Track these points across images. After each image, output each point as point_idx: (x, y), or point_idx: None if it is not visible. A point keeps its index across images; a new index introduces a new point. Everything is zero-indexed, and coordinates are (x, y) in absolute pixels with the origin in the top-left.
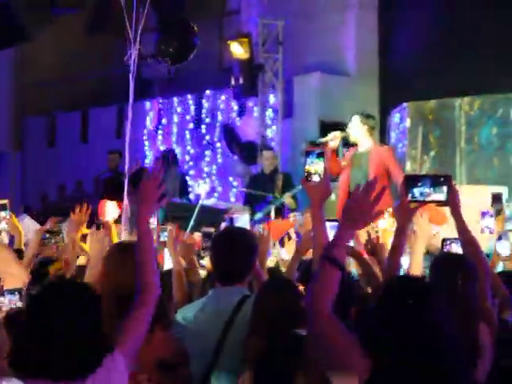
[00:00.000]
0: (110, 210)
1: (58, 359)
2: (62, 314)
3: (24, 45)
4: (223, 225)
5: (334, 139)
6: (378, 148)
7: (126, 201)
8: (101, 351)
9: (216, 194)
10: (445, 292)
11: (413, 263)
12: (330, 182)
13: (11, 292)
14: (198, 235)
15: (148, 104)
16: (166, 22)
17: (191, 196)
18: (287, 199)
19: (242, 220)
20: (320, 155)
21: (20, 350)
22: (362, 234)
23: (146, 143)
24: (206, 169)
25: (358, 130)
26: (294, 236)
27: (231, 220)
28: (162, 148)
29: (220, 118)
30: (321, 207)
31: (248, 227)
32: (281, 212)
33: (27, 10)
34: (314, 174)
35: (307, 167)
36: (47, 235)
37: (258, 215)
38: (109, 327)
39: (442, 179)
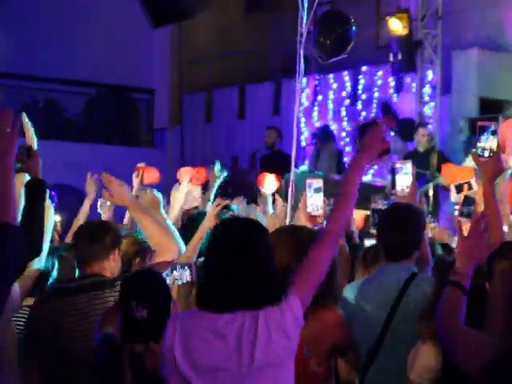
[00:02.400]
0: (270, 182)
1: (238, 290)
2: (243, 248)
3: (182, 24)
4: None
5: None
6: None
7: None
8: (280, 286)
9: (372, 171)
10: None
11: None
12: (501, 159)
13: (182, 266)
14: (362, 213)
15: (304, 80)
16: (323, 14)
17: None
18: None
19: (405, 170)
20: (494, 132)
21: (205, 288)
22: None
23: (302, 120)
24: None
25: None
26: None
27: (394, 170)
28: (317, 125)
29: (376, 94)
30: (492, 184)
31: (411, 177)
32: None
33: None
34: (486, 150)
35: (481, 143)
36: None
37: None
38: None
39: None
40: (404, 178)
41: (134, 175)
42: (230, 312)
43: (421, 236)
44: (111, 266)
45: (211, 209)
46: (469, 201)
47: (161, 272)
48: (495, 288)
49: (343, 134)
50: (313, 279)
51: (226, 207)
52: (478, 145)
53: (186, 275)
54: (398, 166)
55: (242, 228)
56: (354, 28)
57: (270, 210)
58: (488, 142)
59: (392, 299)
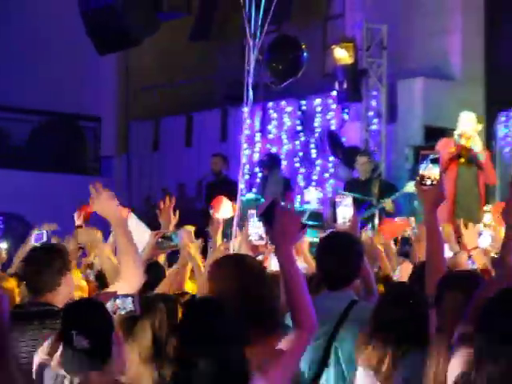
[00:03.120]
0: (226, 208)
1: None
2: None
3: (129, 50)
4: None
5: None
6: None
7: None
8: (245, 377)
9: (316, 200)
10: None
11: None
12: (444, 188)
13: (125, 295)
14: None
15: (250, 108)
16: (275, 40)
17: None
18: (388, 204)
19: (345, 202)
20: (434, 161)
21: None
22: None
23: (248, 147)
24: (301, 170)
25: (474, 128)
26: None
27: (334, 204)
28: (264, 152)
29: (323, 122)
30: (433, 212)
31: (351, 211)
32: (380, 217)
33: (133, 15)
34: (428, 178)
35: (422, 171)
36: (161, 240)
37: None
38: None
39: None
40: (345, 211)
41: (76, 215)
42: None
43: (359, 264)
44: (63, 291)
45: (150, 238)
46: (405, 240)
47: (104, 302)
48: (444, 316)
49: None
50: (287, 371)
51: (166, 237)
52: (420, 173)
53: (128, 305)
54: (338, 199)
55: (204, 315)
56: (305, 53)
57: (219, 240)
58: (427, 170)
59: (332, 326)
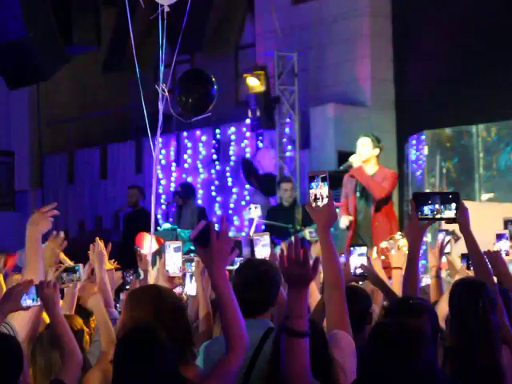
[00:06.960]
0: (148, 242)
1: None
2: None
3: (40, 83)
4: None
5: (354, 161)
6: (384, 171)
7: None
8: None
9: (233, 228)
10: (466, 318)
11: None
12: (334, 205)
13: (70, 267)
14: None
15: (165, 138)
16: (185, 74)
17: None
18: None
19: (263, 241)
20: (324, 179)
21: None
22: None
23: (163, 177)
24: (218, 198)
25: (370, 153)
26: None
27: (251, 242)
28: (179, 182)
29: (237, 150)
30: (327, 231)
31: (269, 249)
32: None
33: (43, 49)
34: (319, 198)
35: (312, 191)
36: (64, 274)
37: (278, 248)
38: None
39: (451, 196)
40: (262, 250)
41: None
42: None
43: (276, 292)
44: None
45: (50, 274)
46: None
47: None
48: None
49: (202, 191)
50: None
51: (70, 269)
52: (310, 192)
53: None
54: (255, 237)
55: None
56: (215, 87)
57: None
58: (317, 190)
59: (250, 355)
